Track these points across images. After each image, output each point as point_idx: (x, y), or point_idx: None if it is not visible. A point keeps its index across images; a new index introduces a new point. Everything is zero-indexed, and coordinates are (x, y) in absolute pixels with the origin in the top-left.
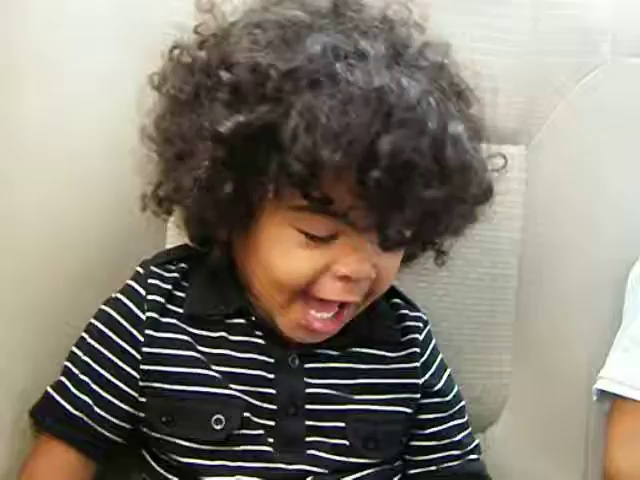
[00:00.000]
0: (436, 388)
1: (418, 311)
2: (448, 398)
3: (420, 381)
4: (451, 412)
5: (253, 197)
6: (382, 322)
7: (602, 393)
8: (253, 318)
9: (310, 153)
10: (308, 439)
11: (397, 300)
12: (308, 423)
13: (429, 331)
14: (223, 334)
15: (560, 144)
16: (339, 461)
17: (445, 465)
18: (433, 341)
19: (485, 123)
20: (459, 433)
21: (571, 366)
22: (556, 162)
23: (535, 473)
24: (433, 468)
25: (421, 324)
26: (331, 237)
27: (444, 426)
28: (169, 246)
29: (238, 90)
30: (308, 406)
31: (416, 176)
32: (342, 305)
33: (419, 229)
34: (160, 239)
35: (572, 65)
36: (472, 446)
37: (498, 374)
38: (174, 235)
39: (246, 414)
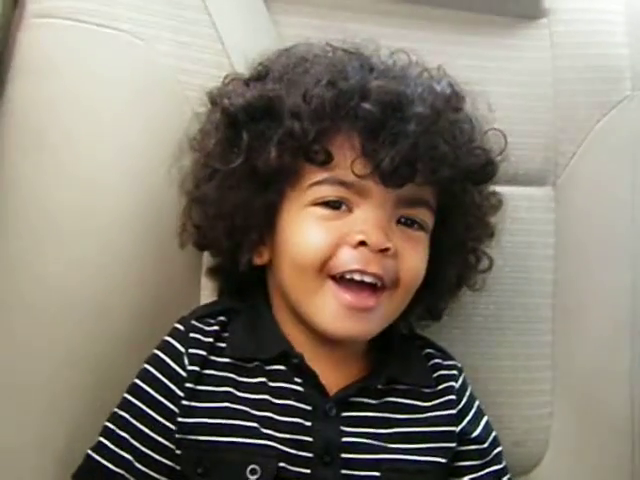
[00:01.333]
0: (473, 435)
1: (452, 359)
2: (485, 445)
3: (457, 429)
4: (488, 459)
5: (267, 175)
6: (415, 368)
7: None
8: (294, 361)
9: (307, 102)
10: None
11: (430, 350)
12: (343, 472)
13: (464, 378)
14: (263, 379)
15: (586, 182)
16: None
17: None
18: (469, 388)
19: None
20: (499, 478)
21: (613, 405)
22: (583, 200)
23: None
24: None
25: (456, 372)
26: (345, 208)
27: (480, 473)
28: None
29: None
30: (344, 455)
31: (404, 112)
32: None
33: (416, 168)
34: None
35: (594, 103)
36: None
37: (538, 417)
38: (207, 296)
39: (281, 464)
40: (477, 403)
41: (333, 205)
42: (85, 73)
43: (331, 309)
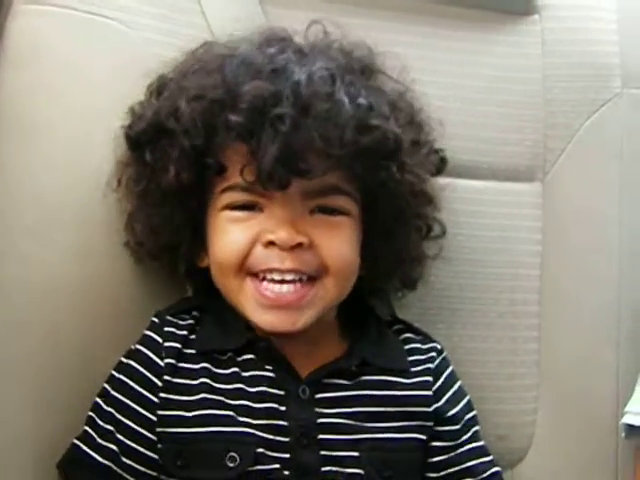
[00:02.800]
0: (449, 414)
1: (432, 342)
2: (459, 426)
3: (430, 409)
4: (463, 439)
5: (176, 191)
6: (390, 351)
7: (630, 428)
8: (262, 344)
9: (179, 120)
10: (324, 469)
11: (409, 334)
12: (322, 453)
13: (444, 359)
14: (236, 369)
15: (574, 179)
16: None
17: None
18: (449, 369)
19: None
20: (471, 460)
21: (597, 400)
22: (571, 197)
23: None
24: None
25: (434, 353)
26: (257, 209)
27: (454, 453)
28: None
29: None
30: (321, 436)
31: (272, 114)
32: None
33: (298, 163)
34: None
35: (584, 100)
36: (488, 474)
37: (523, 411)
38: None
39: (260, 449)
40: (458, 384)
41: (244, 207)
42: (73, 60)
43: (254, 306)
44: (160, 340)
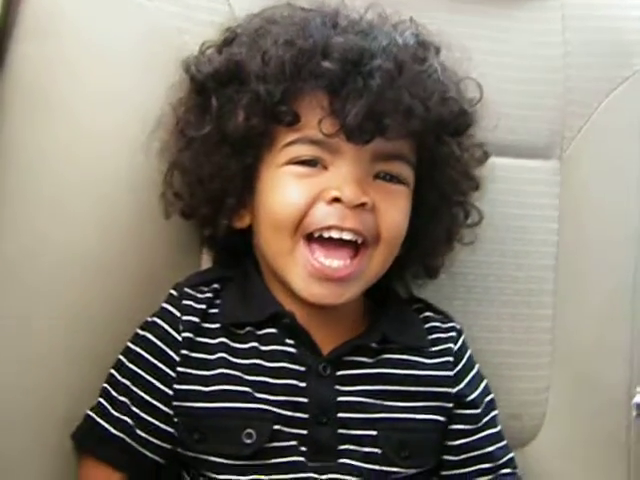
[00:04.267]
0: (469, 399)
1: (452, 322)
2: (479, 410)
3: (453, 390)
4: (482, 423)
5: (239, 139)
6: (410, 329)
7: None
8: (286, 321)
9: (267, 63)
10: (340, 447)
11: (429, 313)
12: (340, 431)
13: (464, 341)
14: (255, 344)
15: (593, 156)
16: (372, 470)
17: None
18: (469, 351)
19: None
20: (491, 445)
21: (610, 380)
22: (589, 175)
23: None
24: None
25: (454, 334)
26: (320, 166)
27: (474, 437)
28: None
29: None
30: (340, 414)
31: (366, 67)
32: (355, 255)
33: (382, 123)
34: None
35: (603, 77)
36: (505, 459)
37: (536, 390)
38: (208, 260)
39: (276, 427)
40: (477, 366)
41: (308, 163)
42: (92, 33)
43: (302, 274)
44: (178, 314)
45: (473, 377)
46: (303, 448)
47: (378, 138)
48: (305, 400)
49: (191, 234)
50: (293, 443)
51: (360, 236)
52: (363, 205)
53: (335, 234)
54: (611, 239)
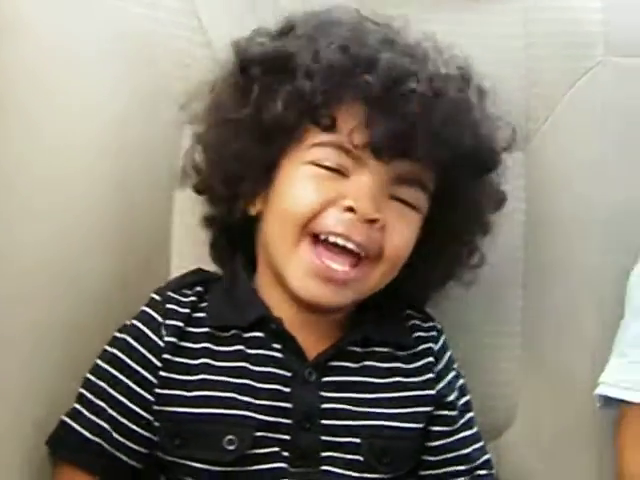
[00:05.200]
0: (448, 399)
1: (433, 321)
2: (456, 411)
3: (434, 392)
4: (459, 425)
5: (271, 128)
6: (393, 327)
7: (606, 399)
8: (273, 326)
9: (317, 62)
10: (323, 454)
11: (410, 311)
12: (323, 438)
13: (445, 341)
14: (240, 347)
15: (557, 148)
16: (353, 477)
17: None
18: (449, 352)
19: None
20: (467, 447)
21: (578, 372)
22: (554, 166)
23: (548, 479)
24: None
25: (435, 333)
26: (341, 174)
27: (451, 439)
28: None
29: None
30: (323, 421)
31: (408, 89)
32: (355, 265)
33: (410, 145)
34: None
35: (566, 69)
36: (481, 461)
37: (507, 382)
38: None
39: (259, 433)
40: (455, 366)
41: (331, 168)
42: (59, 31)
43: (303, 270)
44: (160, 318)
45: (452, 378)
46: (285, 454)
47: (402, 160)
48: (289, 406)
49: (160, 239)
50: (275, 449)
51: (363, 250)
52: (375, 221)
53: (341, 241)
54: (578, 227)
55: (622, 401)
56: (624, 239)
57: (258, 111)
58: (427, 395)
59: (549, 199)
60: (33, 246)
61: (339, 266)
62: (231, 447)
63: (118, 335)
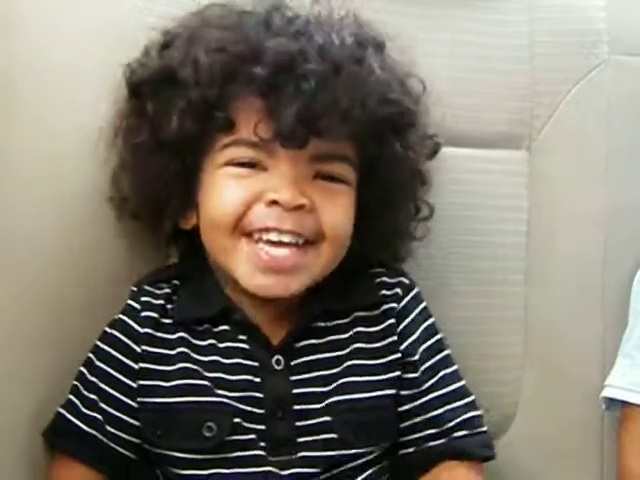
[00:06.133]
0: (410, 359)
1: (401, 276)
2: (419, 373)
3: (398, 355)
4: (426, 386)
5: (176, 143)
6: (356, 291)
7: (611, 401)
8: (237, 317)
9: (198, 70)
10: (299, 440)
11: (378, 269)
12: (297, 424)
13: (414, 296)
14: (213, 341)
15: (561, 146)
16: (331, 456)
17: (426, 445)
18: (419, 307)
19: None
20: (436, 409)
21: (582, 371)
22: (558, 164)
23: (550, 479)
24: (414, 449)
25: (399, 290)
26: (259, 168)
27: (418, 402)
28: None
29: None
30: (296, 407)
31: (298, 70)
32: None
33: (318, 125)
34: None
35: (570, 67)
36: (457, 422)
37: (508, 381)
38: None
39: (237, 420)
40: (427, 323)
41: (247, 165)
42: (52, 23)
43: (248, 269)
44: (139, 308)
45: (420, 335)
46: (262, 443)
47: (315, 140)
48: (261, 395)
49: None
50: (253, 436)
51: (300, 237)
52: (301, 207)
53: (274, 237)
54: (580, 225)
55: (625, 402)
56: (628, 238)
57: (157, 130)
58: (392, 360)
59: (552, 197)
60: (23, 238)
61: (284, 250)
62: (210, 434)
63: (107, 329)
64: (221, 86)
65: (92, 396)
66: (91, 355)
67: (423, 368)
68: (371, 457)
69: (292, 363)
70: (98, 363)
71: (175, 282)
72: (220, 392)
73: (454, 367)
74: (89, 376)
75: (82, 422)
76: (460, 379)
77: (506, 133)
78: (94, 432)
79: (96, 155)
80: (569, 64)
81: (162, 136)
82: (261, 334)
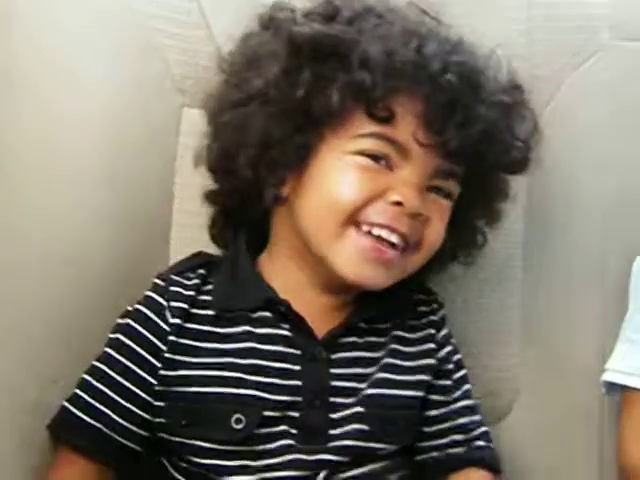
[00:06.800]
0: (445, 368)
1: (434, 295)
2: (452, 382)
3: (434, 361)
4: (456, 395)
5: (317, 114)
6: (399, 302)
7: (611, 385)
8: (281, 308)
9: (390, 58)
10: (331, 432)
11: (414, 287)
12: (331, 416)
13: (444, 315)
14: (248, 328)
15: (561, 131)
16: (360, 447)
17: (448, 451)
18: (447, 326)
19: None
20: (463, 417)
21: (581, 356)
22: (558, 150)
23: (550, 464)
24: (435, 454)
25: (436, 305)
26: (386, 166)
27: (447, 408)
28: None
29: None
30: (332, 399)
31: (481, 93)
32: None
33: (474, 149)
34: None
35: (571, 51)
36: (479, 432)
37: (508, 366)
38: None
39: (266, 412)
40: (453, 341)
41: (375, 157)
42: (55, 18)
43: (351, 255)
44: (164, 302)
45: (451, 350)
46: (294, 431)
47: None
48: (299, 383)
49: (160, 223)
50: (284, 428)
51: (405, 241)
52: (419, 215)
53: (385, 234)
54: (578, 210)
55: (626, 387)
56: (627, 224)
57: (309, 98)
58: (427, 364)
59: (551, 181)
60: (44, 238)
61: (389, 249)
62: (239, 426)
63: (121, 321)
64: (404, 80)
65: (102, 387)
66: (105, 348)
67: (455, 377)
68: (392, 452)
69: (333, 357)
70: (112, 353)
71: (201, 271)
72: (253, 379)
73: (470, 385)
74: (101, 366)
75: (87, 415)
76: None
77: None
78: (99, 425)
79: (104, 150)
80: (568, 49)
81: (315, 105)
82: (306, 325)
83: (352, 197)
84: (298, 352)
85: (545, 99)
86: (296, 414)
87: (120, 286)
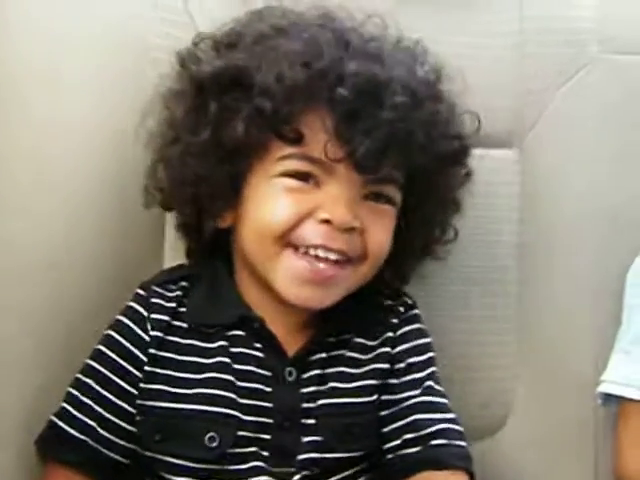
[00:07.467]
0: (398, 366)
1: (403, 296)
2: (407, 379)
3: (387, 365)
4: (410, 393)
5: (233, 148)
6: (367, 313)
7: (607, 397)
8: (254, 325)
9: (280, 82)
10: (300, 457)
11: (386, 291)
12: (303, 439)
13: (414, 315)
14: (223, 343)
15: (552, 144)
16: (316, 459)
17: (404, 452)
18: (417, 325)
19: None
20: (418, 413)
21: (576, 368)
22: (548, 163)
23: (545, 476)
24: (390, 456)
25: (401, 308)
26: (313, 184)
27: (397, 407)
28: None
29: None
30: (303, 420)
31: (381, 98)
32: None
33: (390, 156)
34: (157, 265)
35: (560, 65)
36: (434, 429)
37: (503, 379)
38: (172, 257)
39: (240, 433)
40: (421, 341)
41: (301, 177)
42: (53, 28)
43: (288, 278)
44: (145, 313)
45: (409, 348)
46: (265, 453)
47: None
48: (270, 405)
49: (154, 232)
50: (255, 449)
51: (345, 256)
52: (353, 229)
53: (321, 253)
54: (571, 223)
55: (622, 398)
56: (621, 236)
57: (218, 132)
58: (378, 368)
59: (543, 196)
60: (31, 243)
61: (325, 268)
62: (212, 444)
63: (105, 331)
64: (299, 101)
65: (87, 400)
66: (89, 360)
67: (407, 379)
68: (359, 458)
69: (304, 376)
70: (95, 365)
71: (183, 284)
72: (227, 396)
73: (439, 386)
74: (85, 379)
75: (74, 429)
76: (444, 397)
77: (497, 132)
78: (86, 438)
79: (97, 157)
80: (558, 63)
81: (223, 139)
82: (277, 344)
83: (281, 219)
84: (269, 374)
85: (538, 112)
86: (267, 436)
87: (112, 294)
